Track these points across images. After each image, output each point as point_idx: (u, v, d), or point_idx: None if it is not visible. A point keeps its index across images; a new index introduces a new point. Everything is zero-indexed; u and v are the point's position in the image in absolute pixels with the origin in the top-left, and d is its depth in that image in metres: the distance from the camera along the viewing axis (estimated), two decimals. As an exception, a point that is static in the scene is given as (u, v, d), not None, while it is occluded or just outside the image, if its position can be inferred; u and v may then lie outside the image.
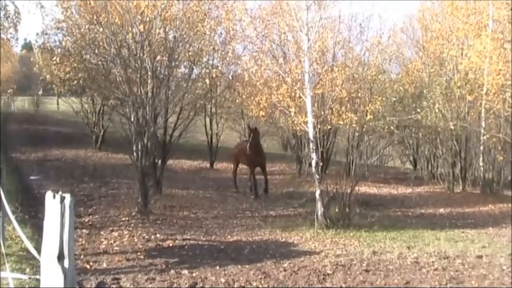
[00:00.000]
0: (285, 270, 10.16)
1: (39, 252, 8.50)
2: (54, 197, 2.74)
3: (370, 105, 17.41)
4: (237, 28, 20.21)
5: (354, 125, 18.00)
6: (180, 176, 24.40)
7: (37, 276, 2.93)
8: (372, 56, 21.03)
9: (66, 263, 2.74)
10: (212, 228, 14.22)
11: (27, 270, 8.14)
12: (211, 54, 19.78)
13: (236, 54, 20.78)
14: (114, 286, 8.53)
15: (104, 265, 9.84)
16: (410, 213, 18.53)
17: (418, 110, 23.08)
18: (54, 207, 2.74)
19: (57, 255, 2.73)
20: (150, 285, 8.79)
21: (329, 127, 18.41)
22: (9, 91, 46.43)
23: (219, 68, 19.15)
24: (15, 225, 6.56)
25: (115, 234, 12.34)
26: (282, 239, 13.46)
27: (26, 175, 20.16)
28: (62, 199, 2.72)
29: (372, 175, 26.64)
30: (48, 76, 23.50)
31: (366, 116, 17.37)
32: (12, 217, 6.88)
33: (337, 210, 15.26)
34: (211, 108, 28.58)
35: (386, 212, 18.61)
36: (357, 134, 22.09)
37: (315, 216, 15.11)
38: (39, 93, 52.56)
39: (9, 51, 51.14)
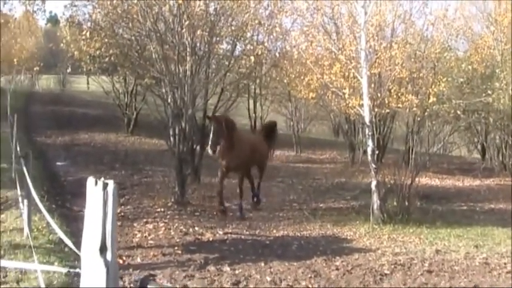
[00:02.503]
0: (337, 269, 10.19)
1: (66, 244, 8.72)
2: (96, 183, 2.82)
3: (433, 86, 17.19)
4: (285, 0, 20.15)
5: (414, 109, 17.77)
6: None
7: (77, 270, 3.01)
8: (436, 31, 20.70)
9: (108, 256, 2.82)
10: (256, 221, 14.32)
11: (56, 263, 8.35)
12: (256, 29, 19.70)
13: (284, 29, 20.70)
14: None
15: (138, 260, 10.00)
16: (477, 209, 18.34)
17: (489, 92, 22.69)
18: (96, 195, 2.81)
19: (99, 247, 2.80)
20: (188, 283, 8.90)
21: (387, 111, 18.26)
22: (35, 69, 47.09)
23: (265, 45, 19.06)
24: (47, 217, 6.72)
25: (150, 226, 12.51)
26: (333, 234, 13.50)
27: (52, 161, 20.51)
28: (105, 186, 2.80)
29: (434, 165, 26.41)
30: (76, 53, 23.65)
31: (429, 98, 17.17)
32: (42, 208, 7.05)
33: (395, 203, 15.22)
34: (255, 89, 28.64)
35: (451, 206, 18.46)
36: (418, 118, 21.80)
37: (370, 209, 15.07)
38: (67, 71, 53.22)
39: (33, 25, 52.07)
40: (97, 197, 2.80)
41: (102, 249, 2.80)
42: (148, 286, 2.85)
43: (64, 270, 3.49)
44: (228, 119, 15.05)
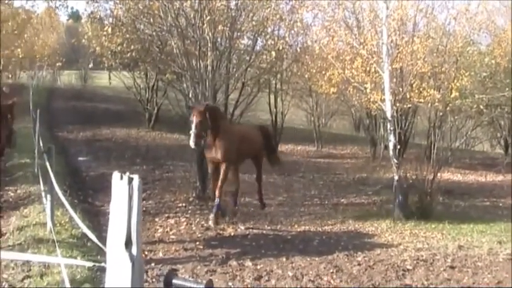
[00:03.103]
0: (359, 264, 10.18)
1: (90, 239, 8.77)
2: (121, 178, 2.83)
3: (455, 81, 17.08)
4: (306, -6, 20.09)
5: (436, 104, 17.68)
6: (241, 158, 24.52)
7: (102, 264, 3.02)
8: (459, 25, 20.54)
9: (134, 250, 2.83)
10: (277, 216, 14.32)
11: (78, 258, 8.40)
12: (277, 24, 19.69)
13: (305, 24, 20.66)
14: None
15: (160, 255, 10.06)
16: (501, 204, 18.22)
17: (512, 86, 22.55)
18: (121, 189, 2.82)
19: (124, 242, 2.81)
20: (210, 277, 8.92)
21: (408, 105, 18.16)
22: (57, 64, 47.41)
23: (286, 39, 19.02)
24: (70, 212, 6.76)
25: (171, 221, 12.56)
26: (354, 229, 13.48)
27: (74, 156, 20.64)
28: (130, 180, 2.81)
29: (457, 160, 26.26)
30: (98, 48, 23.80)
31: (451, 93, 17.05)
32: (66, 203, 7.10)
33: (417, 198, 15.17)
34: (276, 84, 28.53)
35: (473, 201, 18.37)
36: (440, 113, 21.69)
37: (392, 205, 15.05)
38: (89, 66, 53.52)
39: (55, 21, 52.42)
40: (122, 191, 2.80)
41: (127, 244, 2.81)
42: (173, 281, 2.85)
43: (89, 264, 3.50)
44: (212, 108, 13.24)
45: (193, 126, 12.46)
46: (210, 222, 12.47)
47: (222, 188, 12.95)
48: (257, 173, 15.17)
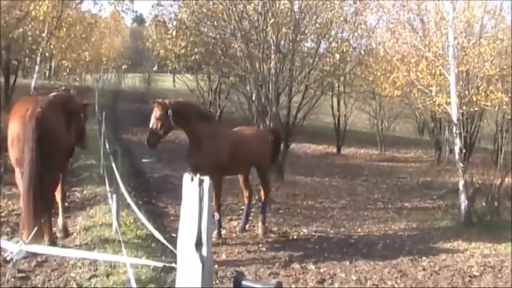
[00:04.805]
0: (424, 270, 10.04)
1: (154, 239, 8.85)
2: (192, 180, 2.86)
3: (524, 83, 16.77)
4: (371, -4, 19.96)
5: (504, 107, 17.38)
6: (304, 161, 24.53)
7: (172, 265, 3.05)
8: (528, 26, 20.16)
9: (204, 251, 2.85)
10: (340, 219, 14.24)
11: (143, 258, 8.49)
12: (341, 26, 19.61)
13: (369, 26, 20.54)
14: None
15: (223, 257, 10.09)
16: None
17: None
18: (192, 191, 2.85)
19: (194, 243, 2.84)
20: (273, 280, 8.92)
21: (475, 109, 17.86)
22: (123, 67, 48.27)
23: (350, 42, 18.94)
24: (137, 213, 6.85)
25: (234, 223, 12.59)
26: (419, 234, 13.28)
27: (138, 158, 20.91)
28: (201, 182, 2.84)
29: (525, 164, 25.67)
30: (162, 51, 24.10)
31: (519, 96, 16.76)
32: (132, 204, 7.19)
33: (483, 203, 14.89)
34: (339, 87, 28.45)
35: (542, 207, 17.90)
36: (507, 117, 21.31)
37: (458, 209, 14.79)
38: (154, 69, 54.26)
39: (120, 25, 53.39)
40: (193, 193, 2.84)
41: (198, 245, 2.84)
42: (242, 282, 2.86)
43: (159, 264, 3.53)
44: (182, 105, 11.19)
45: (150, 122, 10.81)
46: (214, 239, 10.68)
47: (218, 202, 11.11)
48: (262, 184, 12.65)
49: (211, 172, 9.21)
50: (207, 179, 2.82)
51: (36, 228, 7.31)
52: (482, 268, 10.33)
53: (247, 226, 12.12)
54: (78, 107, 9.84)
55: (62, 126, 8.69)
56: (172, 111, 10.63)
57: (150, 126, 10.73)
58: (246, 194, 12.53)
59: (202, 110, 12.12)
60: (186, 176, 2.84)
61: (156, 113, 10.69)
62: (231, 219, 12.94)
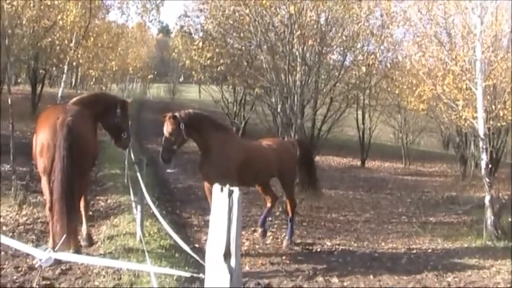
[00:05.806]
0: (449, 285, 9.97)
1: (178, 250, 8.87)
2: (221, 190, 2.88)
3: (552, 99, 16.62)
4: (397, 10, 19.94)
5: (531, 122, 17.24)
6: (328, 174, 24.45)
7: (200, 275, 3.08)
8: (557, 41, 20.00)
9: (232, 262, 2.87)
10: (364, 233, 14.17)
11: (167, 268, 8.53)
12: (368, 39, 19.59)
13: (395, 39, 20.52)
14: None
15: (247, 268, 10.08)
16: None
17: None
18: (222, 201, 2.87)
19: (223, 253, 2.86)
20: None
21: (502, 124, 17.74)
22: (149, 77, 48.57)
23: (376, 55, 18.93)
24: (162, 223, 6.88)
25: (257, 235, 12.57)
26: (444, 249, 13.16)
27: (162, 168, 21.00)
28: (230, 193, 2.85)
29: (551, 181, 25.42)
30: (187, 62, 24.23)
31: (547, 111, 16.61)
32: (158, 214, 7.25)
33: (510, 219, 14.72)
34: (364, 100, 28.40)
35: None
36: (535, 132, 21.13)
37: (484, 225, 14.65)
38: (180, 80, 54.52)
39: (146, 35, 53.76)
40: (223, 203, 2.85)
41: (226, 255, 2.85)
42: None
43: (187, 274, 3.55)
44: (193, 117, 10.68)
45: (163, 139, 10.46)
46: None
47: None
48: (288, 203, 12.43)
49: (220, 181, 8.41)
50: (236, 190, 2.84)
51: (64, 236, 7.39)
52: (509, 285, 10.22)
53: (270, 238, 12.12)
54: (110, 104, 9.91)
55: (92, 133, 8.82)
56: (184, 125, 10.33)
57: (163, 142, 10.42)
58: (268, 199, 12.34)
59: (215, 120, 11.55)
60: (216, 187, 2.86)
61: (168, 127, 10.30)
62: (254, 231, 12.91)
